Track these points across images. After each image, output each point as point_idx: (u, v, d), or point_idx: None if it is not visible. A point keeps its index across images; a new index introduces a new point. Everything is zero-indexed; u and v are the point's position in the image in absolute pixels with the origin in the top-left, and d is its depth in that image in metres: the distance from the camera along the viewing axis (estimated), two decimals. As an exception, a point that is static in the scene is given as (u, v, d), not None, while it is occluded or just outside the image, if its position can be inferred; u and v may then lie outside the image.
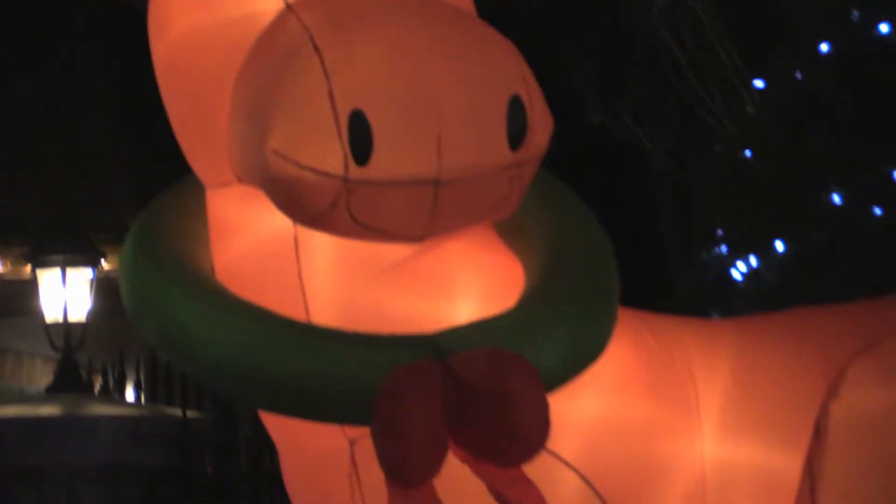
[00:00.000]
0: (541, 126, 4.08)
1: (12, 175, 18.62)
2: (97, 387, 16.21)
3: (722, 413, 5.12)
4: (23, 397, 16.51)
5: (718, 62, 13.38)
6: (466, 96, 4.02)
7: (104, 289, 14.81)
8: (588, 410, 4.77)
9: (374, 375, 4.19)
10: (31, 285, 16.29)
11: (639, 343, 5.14)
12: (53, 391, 15.40)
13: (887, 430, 5.02)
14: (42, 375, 17.20)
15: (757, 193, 12.02)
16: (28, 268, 16.78)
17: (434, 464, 4.22)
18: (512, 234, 4.76)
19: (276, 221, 4.38)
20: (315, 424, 4.69)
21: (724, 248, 12.30)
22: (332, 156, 3.89)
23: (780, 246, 11.74)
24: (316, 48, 4.03)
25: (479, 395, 4.19)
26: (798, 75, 12.23)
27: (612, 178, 15.96)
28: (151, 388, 15.70)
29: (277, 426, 5.06)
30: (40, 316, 16.56)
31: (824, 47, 11.66)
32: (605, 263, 4.77)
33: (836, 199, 11.64)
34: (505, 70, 4.09)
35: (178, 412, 12.48)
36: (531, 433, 4.28)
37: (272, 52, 4.23)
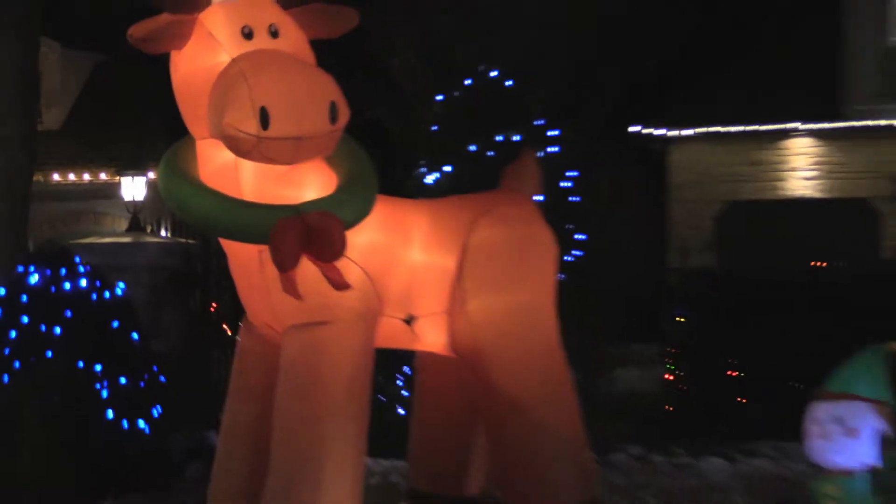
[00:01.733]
0: (343, 115, 7.48)
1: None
2: (148, 229, 23.43)
3: (427, 237, 8.57)
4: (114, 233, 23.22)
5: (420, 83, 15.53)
6: (312, 100, 7.39)
7: (152, 185, 22.28)
8: (361, 239, 8.06)
9: (271, 221, 7.48)
10: (115, 185, 25.88)
11: (405, 211, 8.65)
12: (128, 231, 22.35)
13: (493, 249, 8.56)
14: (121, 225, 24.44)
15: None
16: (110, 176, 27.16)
17: (294, 261, 7.50)
18: (329, 161, 8.08)
19: (227, 154, 7.67)
20: (243, 244, 8.01)
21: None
22: (252, 126, 7.20)
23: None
24: (245, 78, 7.36)
25: (316, 231, 7.52)
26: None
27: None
28: (174, 231, 22.40)
29: (227, 244, 8.23)
30: (121, 198, 25.30)
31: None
32: (370, 172, 8.16)
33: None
34: (329, 89, 7.44)
35: (185, 241, 15.35)
36: (337, 247, 7.58)
37: (225, 80, 7.50)
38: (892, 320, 8.74)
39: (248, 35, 7.81)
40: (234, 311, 8.74)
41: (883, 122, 23.20)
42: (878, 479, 7.48)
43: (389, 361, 10.45)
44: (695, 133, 24.17)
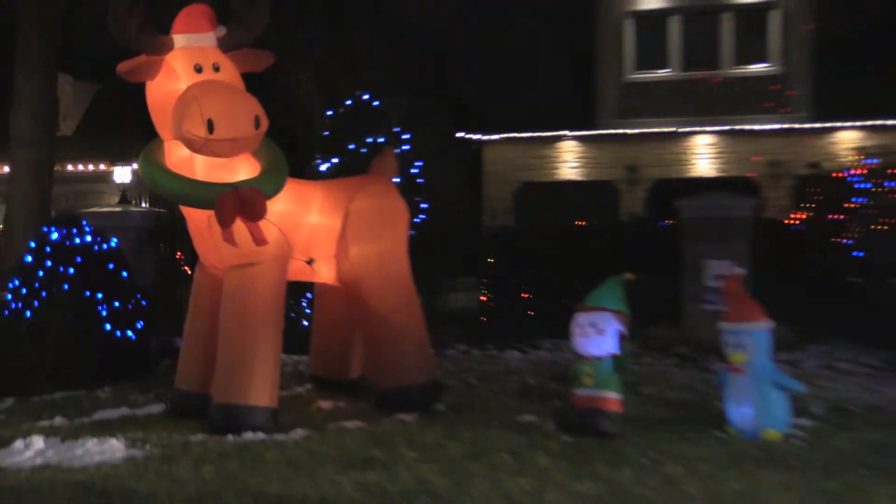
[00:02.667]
0: (264, 123, 7.55)
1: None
2: (133, 202, 22.22)
3: (321, 206, 8.46)
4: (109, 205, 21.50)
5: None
6: (242, 114, 7.47)
7: (135, 172, 22.63)
8: (277, 207, 7.99)
9: (215, 194, 7.57)
10: (110, 173, 25.49)
11: (307, 188, 8.54)
12: (119, 203, 20.94)
13: (366, 213, 8.49)
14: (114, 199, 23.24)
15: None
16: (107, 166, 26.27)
17: (231, 221, 7.55)
18: (255, 154, 8.03)
19: (185, 150, 7.70)
20: (197, 210, 7.95)
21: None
22: (202, 132, 7.32)
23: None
24: (196, 99, 7.42)
25: (246, 201, 7.58)
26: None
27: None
28: (151, 203, 21.03)
29: (186, 210, 8.18)
30: (114, 181, 25.03)
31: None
32: (282, 162, 8.16)
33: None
34: (254, 106, 7.51)
35: (158, 210, 14.37)
36: (260, 212, 7.65)
37: (183, 100, 7.53)
38: (626, 259, 8.85)
39: (198, 70, 7.83)
40: (192, 257, 8.68)
41: (621, 132, 23.60)
42: (617, 362, 7.58)
43: (297, 289, 10.26)
44: (500, 137, 24.38)
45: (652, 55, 24.32)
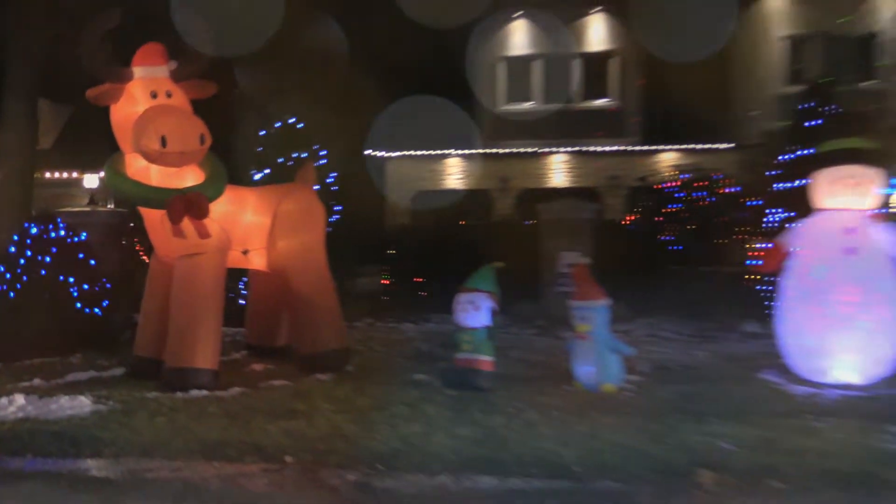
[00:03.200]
0: (208, 140, 7.41)
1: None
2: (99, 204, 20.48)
3: (255, 207, 8.33)
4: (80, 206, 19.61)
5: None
6: (190, 132, 7.33)
7: (102, 179, 19.34)
8: (219, 208, 7.85)
9: (167, 197, 7.43)
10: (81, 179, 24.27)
11: (243, 193, 8.37)
12: (88, 205, 19.79)
13: (291, 214, 8.37)
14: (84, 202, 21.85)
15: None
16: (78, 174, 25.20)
17: (181, 219, 7.43)
18: (200, 165, 7.86)
19: (143, 161, 7.51)
20: (153, 210, 7.74)
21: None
22: (157, 146, 7.18)
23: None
24: (152, 120, 7.25)
25: (193, 203, 7.45)
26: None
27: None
28: (115, 205, 19.44)
29: (144, 211, 7.91)
30: (84, 186, 23.82)
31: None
32: (223, 172, 7.98)
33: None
34: (200, 126, 7.37)
35: (121, 210, 13.77)
36: (204, 212, 7.50)
37: (141, 120, 7.36)
38: (498, 251, 8.89)
39: (153, 96, 7.71)
40: (148, 248, 8.51)
41: (494, 151, 23.81)
42: (489, 332, 7.62)
43: (235, 274, 10.10)
44: (399, 154, 24.45)
45: (519, 91, 24.58)
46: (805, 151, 10.05)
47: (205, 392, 7.47)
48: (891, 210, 13.95)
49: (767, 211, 11.26)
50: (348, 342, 9.02)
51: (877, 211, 7.74)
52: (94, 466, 5.72)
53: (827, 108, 11.05)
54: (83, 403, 7.07)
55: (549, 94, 24.40)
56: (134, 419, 6.61)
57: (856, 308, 7.39)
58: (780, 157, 11.18)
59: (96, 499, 5.15)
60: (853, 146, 7.87)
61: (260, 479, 5.40)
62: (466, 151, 24.33)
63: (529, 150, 23.88)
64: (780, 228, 9.65)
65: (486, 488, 5.24)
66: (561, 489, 5.19)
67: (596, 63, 24.17)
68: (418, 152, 24.53)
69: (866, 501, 5.00)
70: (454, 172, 24.91)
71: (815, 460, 5.49)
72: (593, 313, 7.53)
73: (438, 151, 24.52)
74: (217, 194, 7.93)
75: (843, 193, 7.67)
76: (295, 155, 11.62)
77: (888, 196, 13.57)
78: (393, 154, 24.62)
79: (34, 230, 10.02)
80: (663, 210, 14.06)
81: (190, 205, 7.59)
